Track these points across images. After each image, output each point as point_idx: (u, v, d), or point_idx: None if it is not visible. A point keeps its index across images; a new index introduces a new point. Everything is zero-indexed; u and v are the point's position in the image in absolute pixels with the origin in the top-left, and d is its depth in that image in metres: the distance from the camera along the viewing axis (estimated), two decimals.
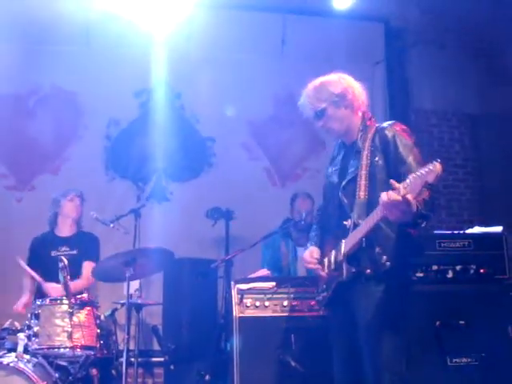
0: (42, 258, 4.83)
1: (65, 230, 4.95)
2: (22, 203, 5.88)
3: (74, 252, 4.79)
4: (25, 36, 6.02)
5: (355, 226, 2.95)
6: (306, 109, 3.17)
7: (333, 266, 3.10)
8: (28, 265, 4.84)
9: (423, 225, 2.84)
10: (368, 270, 2.94)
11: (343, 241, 3.01)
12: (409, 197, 2.56)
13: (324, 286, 3.18)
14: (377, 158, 3.00)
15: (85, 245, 4.89)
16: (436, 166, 2.48)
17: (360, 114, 3.16)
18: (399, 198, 2.57)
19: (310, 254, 3.28)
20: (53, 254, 4.77)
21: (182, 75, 6.24)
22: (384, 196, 2.63)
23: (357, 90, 3.15)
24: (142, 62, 6.06)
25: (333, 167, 3.26)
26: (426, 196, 2.71)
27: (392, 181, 2.63)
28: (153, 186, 6.14)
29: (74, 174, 5.95)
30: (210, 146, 6.36)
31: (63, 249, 4.81)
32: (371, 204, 2.85)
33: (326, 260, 3.19)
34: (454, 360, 3.92)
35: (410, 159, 2.92)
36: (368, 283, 2.95)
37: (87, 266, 4.79)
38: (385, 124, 3.13)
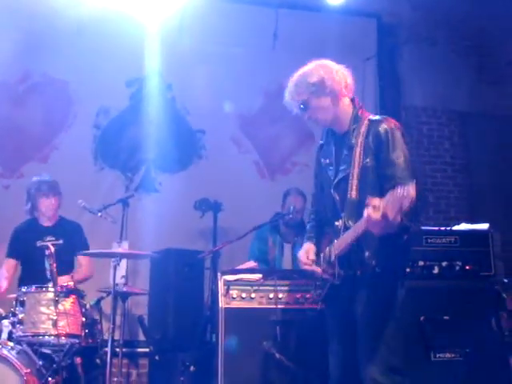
0: (26, 247, 4.81)
1: (47, 220, 4.93)
2: (9, 190, 5.83)
3: (60, 241, 4.76)
4: (16, 23, 5.96)
5: (345, 227, 2.96)
6: (291, 104, 3.12)
7: (327, 264, 3.09)
8: (9, 254, 4.83)
9: (405, 237, 2.88)
10: (358, 272, 2.95)
11: (335, 241, 3.01)
12: (389, 214, 2.56)
13: (320, 283, 3.17)
14: (368, 160, 2.97)
15: (70, 235, 4.87)
16: (410, 192, 2.49)
17: (347, 100, 3.09)
18: (378, 217, 2.58)
19: (305, 254, 3.21)
20: (38, 243, 4.73)
21: (173, 66, 6.22)
22: (365, 214, 2.66)
23: (337, 74, 3.06)
24: (134, 52, 6.03)
25: (325, 159, 3.20)
26: (407, 209, 2.64)
27: (370, 199, 2.63)
28: (142, 176, 6.12)
29: (62, 162, 5.90)
30: (200, 138, 6.34)
31: (48, 238, 4.77)
32: (362, 204, 2.81)
33: (322, 255, 3.17)
34: (438, 355, 3.95)
35: (400, 161, 2.92)
36: (359, 285, 2.96)
37: (82, 261, 4.87)
38: (378, 118, 3.08)
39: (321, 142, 3.31)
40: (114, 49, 6.05)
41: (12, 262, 4.88)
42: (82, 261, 4.92)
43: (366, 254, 2.92)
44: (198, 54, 6.28)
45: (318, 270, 3.15)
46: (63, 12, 5.92)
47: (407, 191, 2.50)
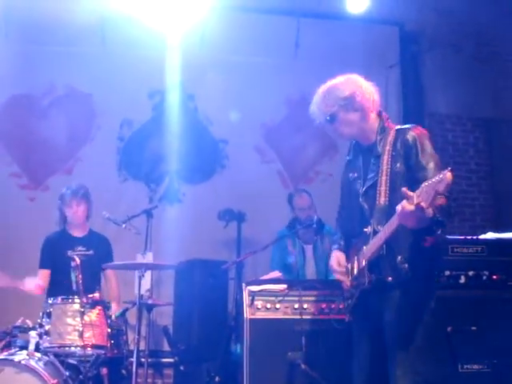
0: (57, 257, 4.80)
1: (77, 230, 4.94)
2: (34, 202, 5.90)
3: (91, 252, 4.79)
4: (39, 36, 6.06)
5: (375, 232, 2.94)
6: (317, 115, 3.13)
7: (356, 273, 3.08)
8: (41, 265, 4.84)
9: (439, 232, 2.85)
10: (389, 278, 2.92)
11: (364, 248, 3.00)
12: (423, 204, 2.56)
13: (349, 294, 3.16)
14: (398, 164, 2.97)
15: (100, 247, 4.88)
16: (445, 175, 2.48)
17: (373, 115, 3.11)
18: (412, 207, 2.58)
19: (337, 261, 3.23)
20: (69, 253, 4.73)
21: (195, 77, 6.26)
22: (399, 207, 2.65)
23: (366, 90, 3.09)
24: (156, 64, 6.08)
25: (353, 173, 3.21)
26: (442, 203, 2.70)
27: (404, 190, 2.63)
28: (165, 187, 6.15)
29: (86, 174, 5.96)
30: (223, 148, 6.37)
31: (79, 248, 4.79)
32: (392, 210, 2.82)
33: (349, 266, 3.17)
34: (466, 366, 3.90)
35: (431, 165, 2.91)
36: (390, 290, 2.94)
37: (112, 275, 4.89)
38: (405, 127, 3.09)
39: (347, 157, 3.31)
40: (136, 61, 6.12)
41: (45, 272, 4.86)
42: (110, 275, 4.93)
43: (399, 258, 2.91)
44: (219, 64, 6.32)
45: (348, 280, 3.15)
46: (87, 25, 6.00)
47: (444, 175, 2.49)
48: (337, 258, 3.24)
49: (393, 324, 2.93)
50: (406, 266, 2.89)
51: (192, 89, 6.36)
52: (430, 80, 6.90)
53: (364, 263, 2.98)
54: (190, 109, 6.37)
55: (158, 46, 6.10)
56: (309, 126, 6.33)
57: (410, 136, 3.00)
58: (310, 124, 6.60)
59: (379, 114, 3.14)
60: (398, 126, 3.11)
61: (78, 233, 4.93)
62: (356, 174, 3.18)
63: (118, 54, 6.14)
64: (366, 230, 2.99)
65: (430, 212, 2.64)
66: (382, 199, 2.95)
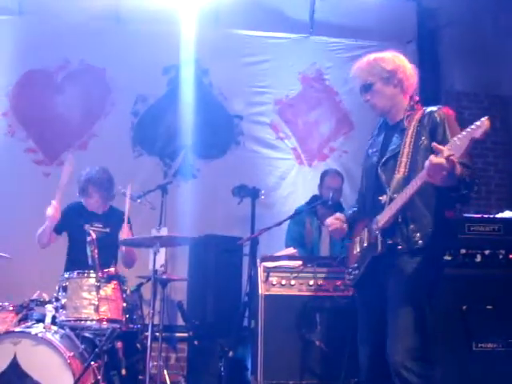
0: (73, 227, 4.75)
1: (96, 208, 4.85)
2: (49, 178, 5.92)
3: (107, 230, 4.75)
4: (54, 11, 6.03)
5: (391, 200, 2.93)
6: (356, 80, 3.18)
7: (366, 243, 3.08)
8: (56, 228, 4.76)
9: (466, 194, 2.81)
10: (400, 246, 2.93)
11: (378, 217, 2.99)
12: (453, 158, 2.57)
13: (355, 265, 3.16)
14: (423, 138, 2.98)
15: (118, 225, 4.75)
16: (484, 122, 2.48)
17: (407, 96, 3.14)
18: (443, 160, 2.58)
19: (333, 217, 3.30)
20: (86, 227, 4.71)
21: (210, 52, 6.22)
22: (427, 162, 2.64)
23: (409, 71, 3.14)
24: (171, 39, 6.05)
25: (372, 148, 3.23)
26: (466, 174, 2.73)
27: (434, 144, 2.65)
28: (180, 162, 6.14)
29: (101, 149, 5.97)
30: (238, 124, 6.34)
31: (96, 224, 4.74)
32: (410, 181, 2.84)
33: (357, 238, 3.17)
34: (480, 345, 3.89)
35: None
36: (400, 258, 2.94)
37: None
38: (434, 108, 3.09)
39: (372, 135, 3.33)
40: (151, 36, 6.09)
41: (53, 235, 4.81)
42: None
43: (411, 226, 2.92)
44: (234, 39, 6.29)
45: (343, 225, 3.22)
46: (101, 0, 5.97)
47: (481, 122, 2.49)
48: (334, 216, 3.31)
49: (397, 289, 2.92)
50: (418, 234, 2.90)
51: (207, 64, 6.31)
52: (447, 57, 6.80)
53: (377, 231, 2.96)
54: (204, 84, 6.34)
55: (173, 21, 6.06)
56: (324, 102, 6.44)
57: (438, 114, 3.01)
58: (325, 100, 6.63)
59: (411, 97, 3.16)
60: (426, 108, 3.12)
61: (97, 210, 4.86)
62: (375, 149, 3.21)
63: (132, 29, 6.11)
64: (381, 198, 2.99)
65: (458, 169, 2.65)
66: (402, 169, 2.95)
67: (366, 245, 3.08)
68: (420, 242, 2.91)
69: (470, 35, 6.74)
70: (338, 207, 4.94)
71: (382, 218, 2.96)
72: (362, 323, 3.17)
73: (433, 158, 2.62)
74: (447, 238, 3.08)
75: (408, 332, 2.86)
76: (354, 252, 3.18)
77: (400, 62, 3.13)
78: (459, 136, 2.56)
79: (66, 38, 6.07)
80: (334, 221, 3.28)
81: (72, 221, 4.80)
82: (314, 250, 5.12)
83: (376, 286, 3.03)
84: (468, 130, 2.52)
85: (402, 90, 3.11)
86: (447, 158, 2.57)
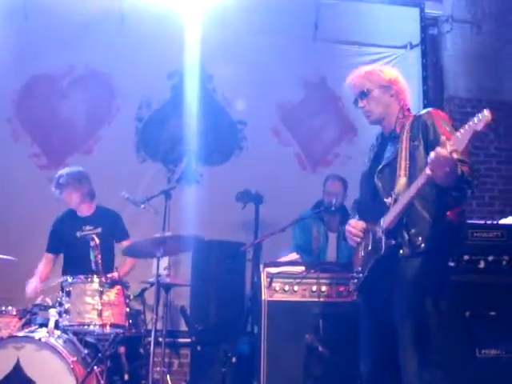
0: (67, 238, 4.87)
1: (82, 210, 4.95)
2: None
3: (99, 230, 4.80)
4: (59, 17, 6.07)
5: (395, 202, 2.94)
6: (353, 87, 3.25)
7: (370, 247, 3.08)
8: (48, 249, 4.90)
9: (468, 193, 2.85)
10: (402, 250, 2.94)
11: (382, 219, 2.99)
12: (454, 155, 2.59)
13: (359, 269, 3.16)
14: (416, 142, 3.02)
15: (108, 222, 4.89)
16: (485, 114, 2.51)
17: (401, 108, 3.20)
18: (446, 153, 2.59)
19: (355, 224, 3.21)
20: (78, 234, 4.80)
21: (214, 58, 6.24)
22: (432, 153, 2.66)
23: (404, 86, 3.25)
24: (175, 44, 6.06)
25: (369, 158, 3.30)
26: (466, 170, 2.76)
27: (443, 137, 2.66)
28: (183, 168, 6.13)
29: (105, 154, 6.01)
30: (241, 130, 6.35)
31: (87, 228, 4.82)
32: (411, 183, 2.87)
33: (362, 243, 3.17)
34: (483, 351, 3.87)
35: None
36: (404, 262, 2.94)
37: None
38: (422, 111, 3.18)
39: (371, 145, 3.38)
40: (155, 41, 6.12)
41: (50, 256, 4.95)
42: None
43: (412, 230, 2.93)
44: (239, 45, 6.29)
45: (359, 252, 3.17)
46: (105, 5, 6.00)
47: (482, 113, 2.52)
48: (355, 222, 3.24)
49: (402, 306, 2.92)
50: (420, 238, 2.91)
51: (211, 69, 6.34)
52: (450, 62, 6.81)
53: (381, 232, 2.96)
54: (208, 89, 6.35)
55: (178, 26, 6.08)
56: (327, 108, 6.45)
57: (426, 115, 3.09)
58: (328, 106, 6.64)
59: (403, 107, 3.22)
60: (416, 113, 3.20)
61: (85, 212, 4.94)
62: (372, 156, 3.27)
63: (136, 34, 6.13)
64: (386, 200, 2.99)
65: (458, 167, 2.68)
66: (403, 172, 2.97)
67: (370, 248, 3.08)
68: (422, 245, 2.91)
69: (473, 41, 6.76)
70: (342, 211, 4.96)
71: (387, 219, 2.97)
72: (365, 327, 3.16)
73: (439, 150, 2.63)
74: (451, 240, 3.06)
75: (418, 341, 2.86)
76: (359, 256, 3.18)
77: (396, 76, 3.25)
78: (461, 130, 2.57)
79: (70, 42, 6.09)
80: (356, 231, 3.20)
81: (63, 233, 4.90)
82: (321, 255, 5.11)
83: (379, 290, 3.03)
84: (470, 123, 2.54)
85: (397, 101, 3.20)
86: (451, 153, 2.59)
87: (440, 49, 6.87)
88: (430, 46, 6.79)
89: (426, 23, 6.75)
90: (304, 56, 6.47)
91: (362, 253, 3.16)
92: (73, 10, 5.99)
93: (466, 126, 2.55)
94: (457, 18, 6.77)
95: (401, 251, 2.94)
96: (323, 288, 4.04)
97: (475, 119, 2.53)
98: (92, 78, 6.21)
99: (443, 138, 2.65)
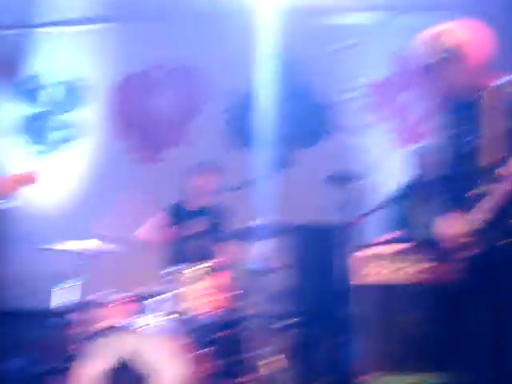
0: (178, 221, 5.02)
1: (195, 203, 5.10)
2: (150, 176, 6.17)
3: (206, 222, 4.96)
4: (147, 13, 6.28)
5: (479, 196, 2.85)
6: (424, 57, 3.04)
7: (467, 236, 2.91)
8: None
9: None
10: (499, 242, 2.79)
11: (472, 210, 2.88)
12: None
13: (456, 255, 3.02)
14: (500, 122, 2.81)
15: (216, 218, 5.02)
16: None
17: (479, 70, 2.95)
18: None
19: (455, 221, 2.99)
20: (187, 222, 4.97)
21: (300, 41, 6.23)
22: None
23: (482, 42, 2.94)
24: (260, 31, 6.10)
25: (451, 131, 3.10)
26: None
27: None
28: (274, 153, 6.22)
29: (197, 146, 6.19)
30: (329, 112, 6.33)
31: (195, 220, 4.97)
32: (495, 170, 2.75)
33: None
34: None
35: None
36: (500, 253, 2.81)
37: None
38: (504, 80, 2.89)
39: (447, 117, 3.21)
40: (241, 30, 6.17)
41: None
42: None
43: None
44: (324, 25, 6.27)
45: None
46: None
47: None
48: (455, 219, 3.03)
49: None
50: None
51: (297, 53, 6.34)
52: None
53: (475, 226, 2.84)
54: (296, 73, 6.36)
55: (261, 13, 6.12)
56: (416, 84, 6.28)
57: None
58: (418, 79, 6.44)
59: (483, 71, 2.97)
60: (496, 82, 2.92)
61: (195, 206, 5.09)
62: (453, 133, 3.07)
63: (222, 26, 6.23)
64: (472, 192, 2.88)
65: None
66: (486, 159, 2.82)
67: (466, 238, 2.92)
68: None
69: None
70: (434, 186, 4.81)
71: (477, 213, 2.85)
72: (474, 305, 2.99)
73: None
74: None
75: None
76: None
77: (471, 35, 2.93)
78: None
79: (158, 39, 6.30)
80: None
81: (177, 215, 5.04)
82: (418, 233, 5.01)
83: (482, 275, 2.90)
84: None
85: (473, 65, 2.92)
86: None
87: None
88: None
89: None
90: (390, 30, 6.33)
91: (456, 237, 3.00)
92: (160, 5, 6.16)
93: None
94: None
95: (499, 242, 2.80)
96: (418, 270, 3.90)
97: None
98: (181, 71, 6.38)
99: None
